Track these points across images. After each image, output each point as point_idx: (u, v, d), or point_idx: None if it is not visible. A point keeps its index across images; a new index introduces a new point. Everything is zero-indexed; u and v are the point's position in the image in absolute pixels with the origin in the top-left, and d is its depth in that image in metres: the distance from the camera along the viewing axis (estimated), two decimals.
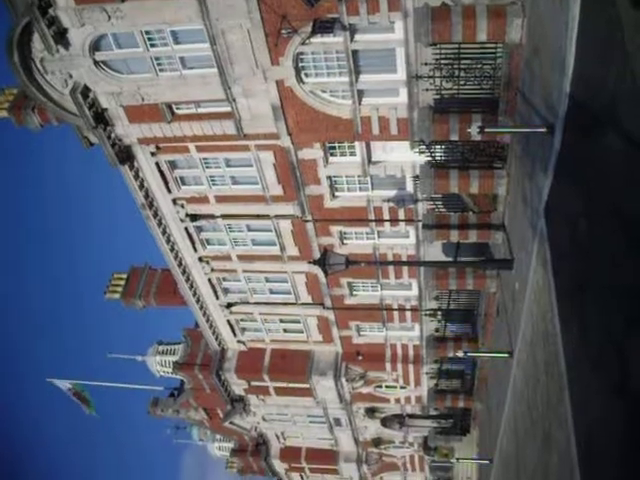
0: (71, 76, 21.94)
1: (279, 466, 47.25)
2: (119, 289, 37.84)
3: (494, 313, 26.25)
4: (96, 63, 21.63)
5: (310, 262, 20.82)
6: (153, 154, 25.35)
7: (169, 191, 27.03)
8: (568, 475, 12.31)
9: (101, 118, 23.15)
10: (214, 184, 26.73)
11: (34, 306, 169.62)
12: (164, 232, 28.65)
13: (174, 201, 27.52)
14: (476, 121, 18.79)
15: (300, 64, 21.15)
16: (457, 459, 37.44)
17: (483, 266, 24.69)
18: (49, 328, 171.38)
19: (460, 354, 24.35)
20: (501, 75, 18.27)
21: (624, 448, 9.22)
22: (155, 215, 27.81)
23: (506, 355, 21.44)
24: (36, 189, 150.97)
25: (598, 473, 10.72)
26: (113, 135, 23.84)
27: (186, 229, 28.79)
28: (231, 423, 40.75)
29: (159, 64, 21.77)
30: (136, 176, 26.00)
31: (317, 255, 26.83)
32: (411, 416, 40.67)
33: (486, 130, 16.39)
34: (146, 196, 26.89)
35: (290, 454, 45.74)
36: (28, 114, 24.15)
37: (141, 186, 26.43)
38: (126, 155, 24.90)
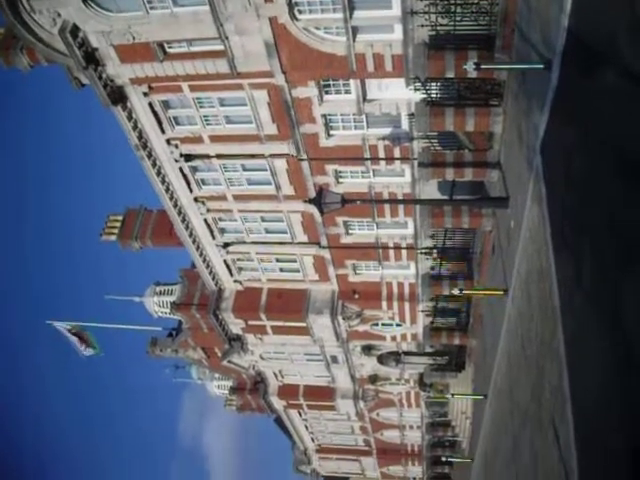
0: (59, 15, 21.54)
1: (277, 403, 47.96)
2: (115, 231, 37.85)
3: (489, 251, 26.35)
4: (85, 1, 21.23)
5: (306, 201, 20.86)
6: (146, 94, 25.06)
7: (163, 131, 26.82)
8: (560, 409, 12.52)
9: (92, 58, 22.81)
10: (208, 124, 26.51)
11: (31, 249, 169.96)
12: (159, 173, 28.52)
13: (168, 141, 27.33)
14: (472, 58, 18.58)
15: (293, 0, 20.79)
16: (452, 395, 38.00)
17: (479, 204, 24.70)
18: (47, 271, 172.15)
19: (455, 292, 24.56)
20: (498, 10, 17.99)
21: (615, 381, 9.35)
22: (149, 156, 27.65)
23: (501, 292, 21.60)
24: (30, 132, 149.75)
25: (589, 407, 10.90)
26: (104, 75, 23.53)
27: (181, 169, 28.65)
28: (229, 362, 41.18)
29: (149, 2, 21.40)
30: (129, 117, 25.76)
31: (312, 194, 26.79)
32: (407, 353, 41.14)
33: (482, 67, 16.21)
34: (140, 137, 26.68)
35: (288, 391, 46.36)
36: (17, 54, 23.72)
37: (134, 127, 26.21)
38: (118, 96, 24.63)
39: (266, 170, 28.26)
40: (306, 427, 56.20)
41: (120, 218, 38.25)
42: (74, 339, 38.80)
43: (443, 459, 51.55)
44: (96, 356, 40.47)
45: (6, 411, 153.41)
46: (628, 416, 8.82)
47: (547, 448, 14.20)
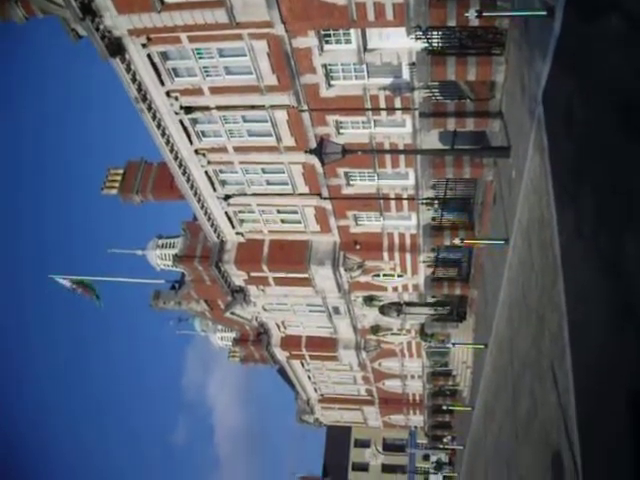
0: None
1: (280, 354, 48.42)
2: (116, 185, 37.83)
3: (490, 202, 26.34)
4: None
5: (307, 151, 20.79)
6: (144, 46, 24.83)
7: (162, 83, 26.64)
8: (560, 356, 12.68)
9: (88, 9, 22.54)
10: (208, 75, 26.32)
11: (32, 205, 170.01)
12: (159, 125, 28.41)
13: (167, 94, 27.17)
14: (474, 5, 18.36)
15: None
16: (453, 344, 38.29)
17: (480, 154, 24.63)
18: (49, 226, 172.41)
19: (457, 241, 24.63)
20: None
21: (615, 329, 9.46)
22: (149, 108, 27.51)
23: (502, 242, 21.66)
24: (29, 86, 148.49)
25: (589, 354, 11.03)
26: (102, 27, 23.29)
27: (181, 122, 28.53)
28: (232, 314, 41.48)
29: None
30: (128, 69, 25.56)
31: (313, 145, 26.66)
32: (408, 304, 41.39)
33: (484, 14, 16.04)
34: (139, 89, 26.52)
35: (290, 342, 46.77)
36: (11, 7, 23.44)
37: (133, 79, 26.03)
38: (116, 47, 24.40)
39: (267, 121, 28.13)
40: (309, 377, 56.80)
41: (121, 172, 38.20)
42: (78, 291, 38.99)
43: (444, 408, 52.13)
44: (98, 308, 40.66)
45: (10, 364, 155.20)
46: (627, 363, 8.94)
47: (546, 395, 14.40)
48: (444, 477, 68.30)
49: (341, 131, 28.08)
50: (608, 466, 9.88)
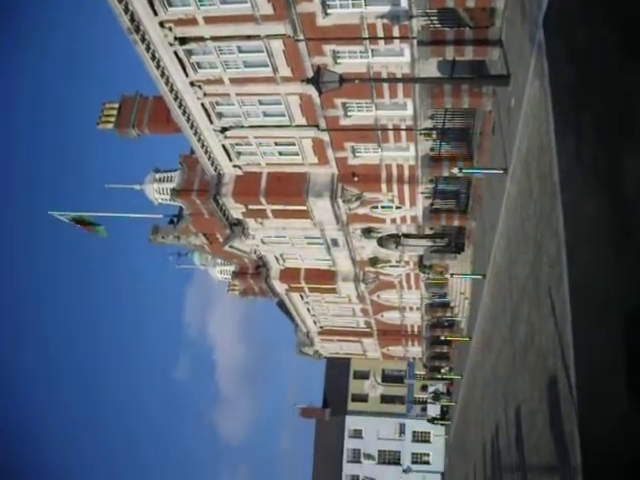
0: None
1: (279, 287, 48.69)
2: (112, 119, 37.48)
3: (489, 132, 26.16)
4: None
5: (303, 81, 20.52)
6: None
7: (155, 13, 26.12)
8: (557, 281, 12.75)
9: None
10: (201, 4, 25.78)
11: (29, 142, 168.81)
12: (153, 57, 27.98)
13: (161, 24, 26.66)
14: None
15: None
16: (451, 275, 38.54)
17: (479, 82, 24.38)
18: (46, 163, 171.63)
19: (455, 171, 24.54)
20: None
21: (613, 252, 9.47)
22: (143, 40, 27.03)
23: (500, 171, 21.58)
24: (23, 21, 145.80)
25: (586, 279, 11.08)
26: None
27: (175, 53, 28.08)
28: (231, 247, 41.53)
29: None
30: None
31: (310, 76, 26.34)
32: (407, 236, 41.45)
33: None
34: (132, 20, 26.02)
35: (290, 275, 46.99)
36: None
37: (126, 9, 25.52)
38: None
39: (262, 52, 27.68)
40: (308, 310, 57.28)
41: (116, 106, 37.79)
42: (79, 226, 38.88)
43: (442, 338, 52.80)
44: (102, 237, 40.49)
45: (10, 296, 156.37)
46: (624, 286, 8.97)
47: (543, 322, 14.52)
48: (442, 407, 69.50)
49: (338, 61, 27.64)
50: (603, 389, 10.01)
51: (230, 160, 35.26)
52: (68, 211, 39.25)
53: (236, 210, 37.57)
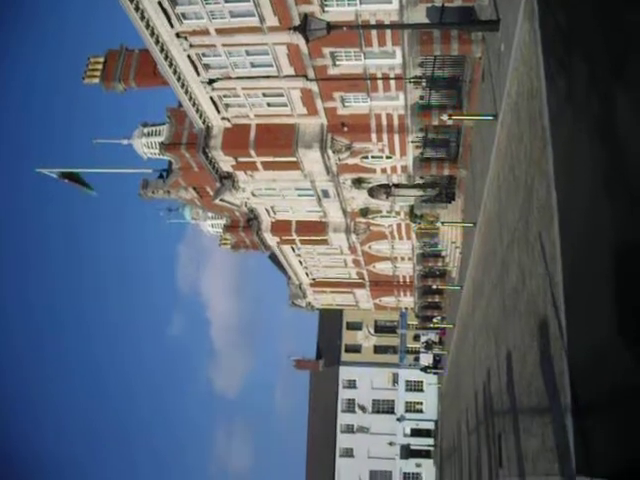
0: None
1: (271, 239, 48.71)
2: (97, 73, 37.02)
3: (479, 79, 25.97)
4: None
5: (291, 29, 20.27)
6: None
7: None
8: (547, 225, 12.77)
9: None
10: None
11: (15, 97, 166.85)
12: (137, 8, 27.53)
13: None
14: None
15: None
16: (442, 223, 38.55)
17: (468, 28, 24.10)
18: (33, 119, 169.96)
19: (444, 117, 24.43)
20: None
21: (604, 194, 9.47)
22: None
23: (490, 118, 21.48)
24: None
25: (576, 222, 11.10)
26: None
27: (160, 4, 27.63)
28: (221, 200, 41.40)
29: None
30: None
31: (297, 24, 25.99)
32: (397, 186, 41.37)
33: None
34: None
35: (281, 227, 46.98)
36: None
37: None
38: None
39: (249, 1, 27.24)
40: (300, 262, 57.44)
41: (101, 60, 37.31)
42: (66, 181, 38.52)
43: (433, 288, 53.06)
44: (90, 195, 40.26)
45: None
46: (614, 227, 8.98)
47: (534, 266, 14.59)
48: (434, 355, 70.18)
49: (326, 9, 27.22)
50: (593, 330, 10.09)
51: (218, 112, 34.96)
52: (56, 167, 38.94)
53: (226, 163, 37.37)
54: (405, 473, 76.66)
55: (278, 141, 35.12)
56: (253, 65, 31.52)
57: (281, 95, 33.25)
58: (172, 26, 28.94)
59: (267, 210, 45.14)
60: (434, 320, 60.54)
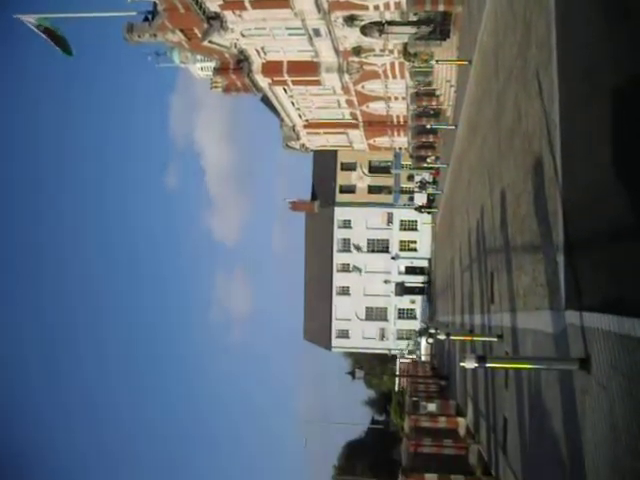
0: None
1: (262, 81, 47.88)
2: None
3: None
4: None
5: None
6: None
7: None
8: (545, 62, 12.48)
9: None
10: None
11: None
12: None
13: None
14: None
15: None
16: (436, 61, 37.71)
17: None
18: None
19: None
20: None
21: (606, 29, 9.18)
22: None
23: None
24: None
25: (575, 57, 10.84)
26: None
27: None
28: (210, 42, 40.36)
29: None
30: None
31: None
32: (390, 23, 40.19)
33: None
34: None
35: (272, 68, 46.06)
36: None
37: None
38: None
39: None
40: (292, 104, 56.73)
41: None
42: (44, 37, 36.80)
43: (428, 127, 52.61)
44: (68, 57, 38.61)
45: None
46: (616, 66, 8.77)
47: (530, 104, 14.38)
48: (428, 195, 70.63)
49: None
50: (588, 171, 10.08)
51: None
52: (36, 13, 37.24)
53: (213, 2, 36.08)
54: (400, 309, 79.19)
55: None
56: None
57: None
58: None
59: (257, 51, 44.05)
60: (428, 160, 60.41)
